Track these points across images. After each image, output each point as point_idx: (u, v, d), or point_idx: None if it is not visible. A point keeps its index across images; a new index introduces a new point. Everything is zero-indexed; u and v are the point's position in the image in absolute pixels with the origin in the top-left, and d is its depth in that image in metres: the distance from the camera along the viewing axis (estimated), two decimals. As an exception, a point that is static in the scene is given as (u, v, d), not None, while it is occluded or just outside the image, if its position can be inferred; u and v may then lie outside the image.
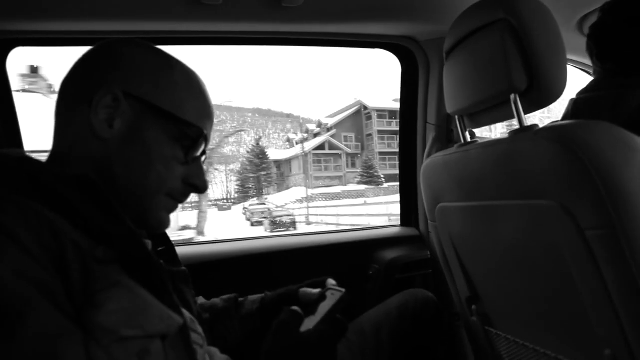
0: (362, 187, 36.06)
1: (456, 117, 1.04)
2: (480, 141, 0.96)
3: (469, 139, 1.03)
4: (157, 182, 0.66)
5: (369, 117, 40.72)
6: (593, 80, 1.01)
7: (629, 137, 0.68)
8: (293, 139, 50.83)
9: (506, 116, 0.88)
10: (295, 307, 0.72)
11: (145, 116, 0.65)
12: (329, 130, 42.33)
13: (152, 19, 1.21)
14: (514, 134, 0.81)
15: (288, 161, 43.48)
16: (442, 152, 1.04)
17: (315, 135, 44.19)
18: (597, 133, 0.68)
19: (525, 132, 0.78)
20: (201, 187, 0.72)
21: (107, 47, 0.68)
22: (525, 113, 0.82)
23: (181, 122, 0.67)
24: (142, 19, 1.21)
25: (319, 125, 44.99)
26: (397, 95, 1.66)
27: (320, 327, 0.72)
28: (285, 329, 0.70)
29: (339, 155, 39.59)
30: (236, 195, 51.30)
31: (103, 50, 0.68)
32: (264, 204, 31.21)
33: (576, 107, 0.98)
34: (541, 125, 0.78)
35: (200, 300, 0.99)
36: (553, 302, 0.84)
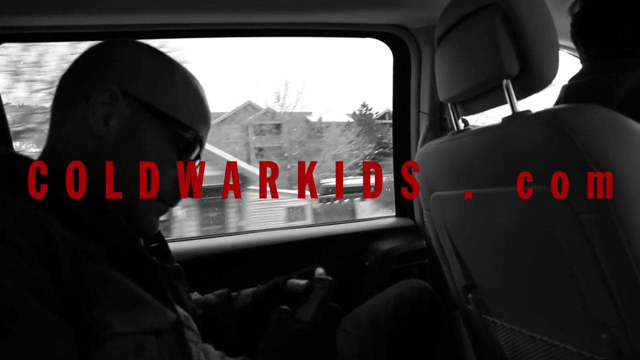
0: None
1: (449, 105, 1.03)
2: (473, 128, 0.96)
3: (462, 127, 1.02)
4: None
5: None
6: (583, 67, 1.01)
7: (621, 119, 0.67)
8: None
9: (498, 102, 0.87)
10: (284, 306, 0.73)
11: (142, 116, 0.64)
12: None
13: (141, 12, 1.19)
14: (507, 119, 0.80)
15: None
16: (435, 140, 1.04)
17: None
18: (590, 116, 0.67)
19: (518, 117, 0.77)
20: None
21: (107, 46, 0.68)
22: (518, 99, 0.81)
23: (177, 123, 0.67)
24: (131, 12, 1.19)
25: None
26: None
27: (315, 319, 0.72)
28: (279, 327, 0.71)
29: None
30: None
31: (103, 49, 0.68)
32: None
33: (568, 93, 0.98)
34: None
35: (195, 295, 0.98)
36: (549, 288, 0.83)
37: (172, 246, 0.87)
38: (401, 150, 1.67)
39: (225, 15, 1.29)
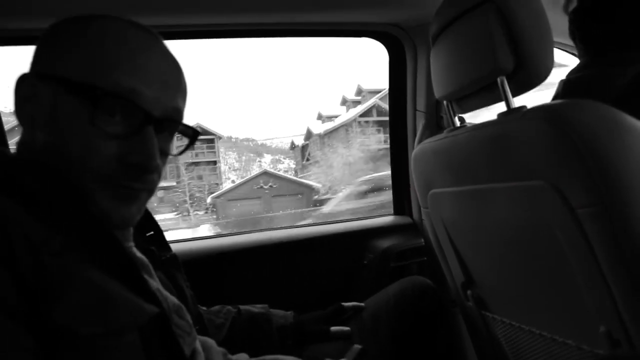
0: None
1: (445, 102, 1.04)
2: (469, 125, 0.96)
3: (458, 125, 1.03)
4: (80, 167, 0.56)
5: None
6: (581, 61, 1.01)
7: (617, 114, 0.67)
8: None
9: (494, 99, 0.88)
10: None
11: (59, 92, 0.56)
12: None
13: (131, 14, 1.19)
14: (502, 115, 0.81)
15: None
16: (432, 138, 1.04)
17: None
18: (586, 111, 0.67)
19: (514, 113, 0.78)
20: (142, 165, 0.57)
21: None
22: (514, 95, 0.81)
23: (85, 87, 0.55)
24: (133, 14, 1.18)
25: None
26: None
27: None
28: None
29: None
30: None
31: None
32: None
33: (566, 88, 0.98)
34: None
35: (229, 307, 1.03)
36: (547, 283, 0.84)
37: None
38: (398, 150, 1.67)
39: (218, 16, 1.29)
